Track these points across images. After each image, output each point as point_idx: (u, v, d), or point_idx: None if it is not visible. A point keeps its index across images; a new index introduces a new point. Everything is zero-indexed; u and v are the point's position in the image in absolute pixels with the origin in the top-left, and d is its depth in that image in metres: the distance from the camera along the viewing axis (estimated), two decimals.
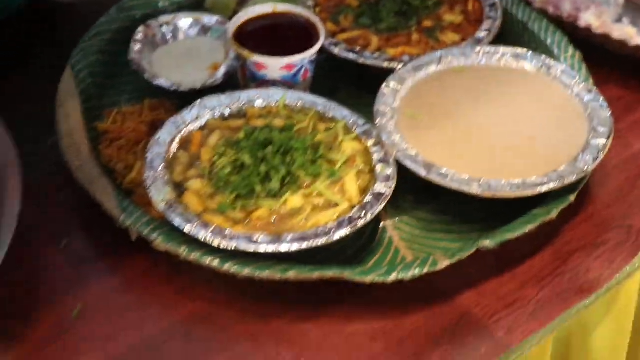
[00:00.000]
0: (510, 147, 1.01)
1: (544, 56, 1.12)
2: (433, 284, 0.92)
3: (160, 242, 0.91)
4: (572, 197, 0.97)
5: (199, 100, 1.04)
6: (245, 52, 1.07)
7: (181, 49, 1.20)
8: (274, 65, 1.07)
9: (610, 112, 1.04)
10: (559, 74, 1.09)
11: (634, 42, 1.16)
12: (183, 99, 1.10)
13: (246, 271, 0.88)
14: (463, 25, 1.20)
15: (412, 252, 0.96)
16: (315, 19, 1.12)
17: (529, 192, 0.94)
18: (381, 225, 1.00)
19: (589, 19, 1.19)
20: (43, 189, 1.03)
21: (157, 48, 1.19)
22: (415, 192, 1.02)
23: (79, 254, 0.97)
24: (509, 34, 1.23)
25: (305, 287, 0.90)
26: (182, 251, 0.90)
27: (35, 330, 0.89)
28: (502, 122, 1.05)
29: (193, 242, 0.89)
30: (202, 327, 0.90)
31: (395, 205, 1.00)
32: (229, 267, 0.88)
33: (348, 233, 0.90)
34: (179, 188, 0.95)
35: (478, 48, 1.13)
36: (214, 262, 0.89)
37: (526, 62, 1.11)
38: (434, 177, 0.95)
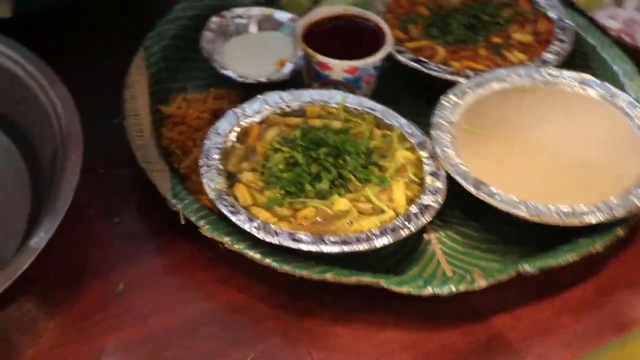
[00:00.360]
0: (563, 172, 1.00)
1: (610, 85, 1.10)
2: (469, 302, 0.93)
3: (206, 229, 0.93)
4: (620, 231, 0.95)
5: (261, 95, 1.06)
6: (311, 52, 1.09)
7: (251, 42, 1.22)
8: (338, 67, 1.08)
9: None
10: (624, 105, 1.07)
11: None
12: (248, 91, 1.12)
13: (286, 268, 0.90)
14: (532, 44, 1.18)
15: (453, 268, 0.97)
16: (384, 25, 1.13)
17: (575, 222, 0.93)
18: (425, 237, 1.00)
19: None
20: (103, 165, 1.07)
21: (229, 39, 1.22)
22: (463, 208, 1.02)
23: (130, 232, 1.00)
24: (578, 57, 1.21)
25: (341, 290, 0.91)
26: (227, 241, 0.92)
27: (78, 301, 0.92)
28: (558, 146, 1.04)
29: (238, 233, 0.92)
30: (238, 317, 0.92)
31: (442, 218, 1.01)
32: (270, 261, 0.90)
33: (390, 242, 0.90)
34: (232, 178, 0.98)
35: (544, 70, 1.12)
36: (256, 254, 0.91)
37: (591, 88, 1.10)
38: (483, 196, 0.95)
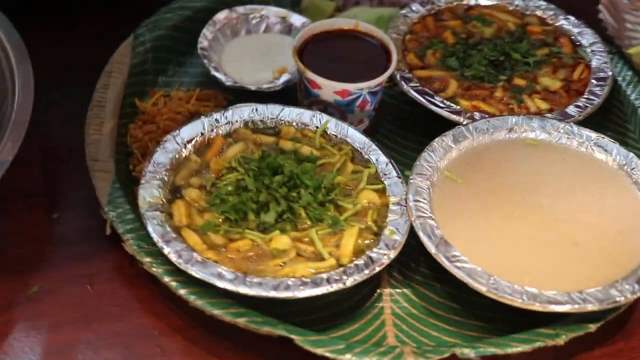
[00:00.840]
0: (548, 247, 0.87)
1: (632, 154, 0.95)
2: None
3: (130, 244, 0.86)
4: (592, 327, 0.82)
5: (236, 105, 0.98)
6: (302, 67, 0.99)
7: (258, 43, 1.13)
8: (327, 88, 0.98)
9: None
10: None
11: None
12: (238, 96, 1.04)
13: (198, 303, 0.81)
14: (559, 93, 1.04)
15: (396, 332, 0.86)
16: (392, 48, 1.02)
17: (538, 308, 0.80)
18: (378, 291, 0.89)
19: None
20: (60, 154, 1.01)
21: (235, 36, 1.13)
22: (430, 266, 0.90)
23: (64, 231, 0.95)
24: (615, 114, 1.07)
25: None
26: (147, 261, 0.84)
27: None
28: (550, 215, 0.90)
29: (162, 254, 0.83)
30: (143, 346, 0.84)
31: (405, 273, 0.91)
32: (184, 293, 0.82)
33: (316, 294, 0.80)
34: (175, 193, 0.89)
35: (562, 124, 0.97)
36: (172, 282, 0.82)
37: (610, 155, 0.95)
38: (442, 258, 0.83)
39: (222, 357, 0.84)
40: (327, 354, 0.78)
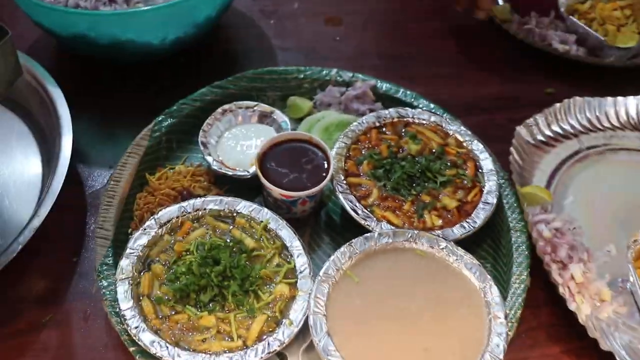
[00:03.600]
0: (403, 350, 0.80)
1: (489, 277, 0.86)
2: None
3: (106, 303, 0.84)
4: None
5: (204, 197, 0.92)
6: (258, 172, 0.93)
7: (247, 132, 1.05)
8: (274, 191, 0.92)
9: None
10: (490, 299, 0.84)
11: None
12: (220, 177, 0.99)
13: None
14: (452, 211, 0.94)
15: None
16: (331, 162, 0.94)
17: None
18: None
19: (575, 272, 0.91)
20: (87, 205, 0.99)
21: (231, 126, 1.06)
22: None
23: (76, 272, 0.92)
24: (491, 228, 0.96)
25: None
26: (113, 319, 0.82)
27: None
28: (415, 322, 0.82)
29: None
30: None
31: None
32: (133, 351, 0.79)
33: None
34: (148, 264, 0.86)
35: (444, 243, 0.89)
36: (126, 341, 0.80)
37: (473, 275, 0.87)
38: (320, 351, 0.78)
39: None
40: None
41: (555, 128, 1.12)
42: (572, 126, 1.13)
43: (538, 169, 1.07)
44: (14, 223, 0.94)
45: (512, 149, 1.03)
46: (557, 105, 1.13)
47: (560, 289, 0.88)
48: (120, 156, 0.99)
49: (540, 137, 1.11)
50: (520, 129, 1.09)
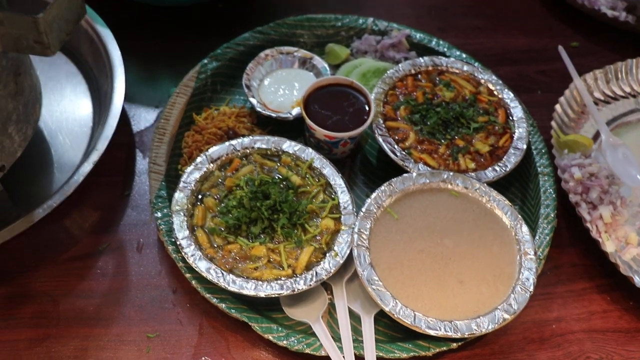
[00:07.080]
0: (440, 282, 0.83)
1: (520, 217, 0.88)
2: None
3: (162, 233, 0.86)
4: (454, 345, 0.80)
5: (252, 136, 0.93)
6: (304, 113, 0.94)
7: (287, 76, 1.05)
8: (319, 131, 0.93)
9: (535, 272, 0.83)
10: (520, 236, 0.87)
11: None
12: (263, 118, 1.00)
13: (197, 286, 0.82)
14: (485, 156, 0.95)
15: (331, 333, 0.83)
16: (372, 105, 0.95)
17: (418, 329, 0.78)
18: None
19: (604, 213, 0.92)
20: (136, 144, 0.99)
21: (272, 70, 1.06)
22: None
23: (128, 206, 0.93)
24: (520, 174, 0.98)
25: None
26: (169, 248, 0.84)
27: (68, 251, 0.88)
28: (451, 256, 0.85)
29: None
30: (161, 298, 0.85)
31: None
32: (189, 277, 0.82)
33: (273, 295, 0.79)
34: (200, 198, 0.88)
35: (477, 184, 0.91)
36: (182, 267, 0.83)
37: (505, 214, 0.89)
38: (364, 280, 0.81)
39: (214, 318, 0.84)
40: (273, 339, 0.79)
41: (614, 88, 1.11)
42: (632, 87, 1.11)
43: (588, 122, 1.06)
44: (68, 157, 0.95)
45: (562, 98, 1.03)
46: (619, 63, 1.11)
47: (587, 225, 0.90)
48: (164, 98, 0.99)
49: (597, 95, 1.10)
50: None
